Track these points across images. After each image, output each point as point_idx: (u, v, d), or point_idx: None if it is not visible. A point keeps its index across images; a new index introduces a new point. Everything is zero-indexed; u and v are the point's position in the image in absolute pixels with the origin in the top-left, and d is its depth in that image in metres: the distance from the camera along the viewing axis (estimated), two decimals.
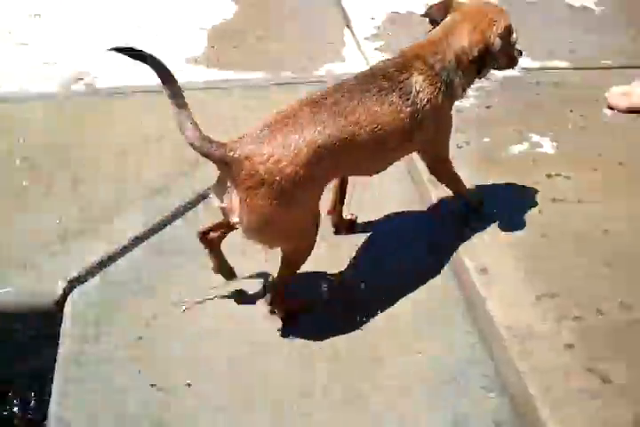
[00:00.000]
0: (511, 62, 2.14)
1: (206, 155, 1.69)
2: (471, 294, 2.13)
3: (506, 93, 3.00)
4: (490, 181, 2.49)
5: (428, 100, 1.95)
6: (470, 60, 1.99)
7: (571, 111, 2.87)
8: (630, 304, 2.07)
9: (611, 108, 2.94)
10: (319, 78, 3.11)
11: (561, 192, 2.48)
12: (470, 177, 2.41)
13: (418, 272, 2.24)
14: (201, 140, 1.67)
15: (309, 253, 1.95)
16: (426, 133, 2.01)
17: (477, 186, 2.45)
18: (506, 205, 2.43)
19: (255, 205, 1.70)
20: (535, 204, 2.43)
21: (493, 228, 2.32)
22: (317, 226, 1.91)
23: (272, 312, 2.06)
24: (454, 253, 2.25)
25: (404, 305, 2.13)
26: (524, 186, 2.51)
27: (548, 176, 2.55)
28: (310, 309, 2.10)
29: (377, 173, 2.14)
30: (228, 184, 1.73)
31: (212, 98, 2.95)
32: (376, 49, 3.32)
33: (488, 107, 2.92)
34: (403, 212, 2.46)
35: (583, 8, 3.73)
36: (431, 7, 2.11)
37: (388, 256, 2.30)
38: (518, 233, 2.31)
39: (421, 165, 2.34)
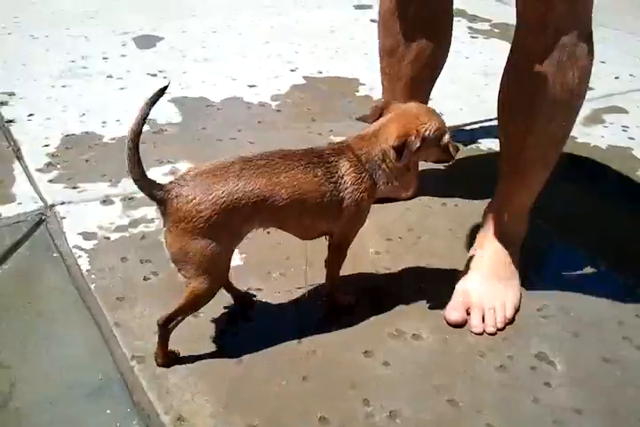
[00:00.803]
0: (446, 157, 2.33)
1: (147, 194, 1.99)
2: None
3: None
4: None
5: (350, 184, 2.16)
6: (394, 152, 2.16)
7: None
8: (327, 417, 2.09)
9: None
10: None
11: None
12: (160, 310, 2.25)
13: None
14: (144, 180, 1.96)
15: (210, 297, 2.13)
16: (346, 216, 2.19)
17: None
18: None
19: (175, 236, 1.99)
20: (225, 326, 2.41)
21: (188, 368, 2.23)
22: (226, 271, 2.16)
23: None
24: (147, 406, 2.10)
25: None
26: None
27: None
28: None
29: (307, 238, 2.32)
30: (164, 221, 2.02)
31: None
32: (50, 181, 3.11)
33: None
34: None
35: None
36: (368, 111, 2.28)
37: None
38: (213, 363, 2.25)
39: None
